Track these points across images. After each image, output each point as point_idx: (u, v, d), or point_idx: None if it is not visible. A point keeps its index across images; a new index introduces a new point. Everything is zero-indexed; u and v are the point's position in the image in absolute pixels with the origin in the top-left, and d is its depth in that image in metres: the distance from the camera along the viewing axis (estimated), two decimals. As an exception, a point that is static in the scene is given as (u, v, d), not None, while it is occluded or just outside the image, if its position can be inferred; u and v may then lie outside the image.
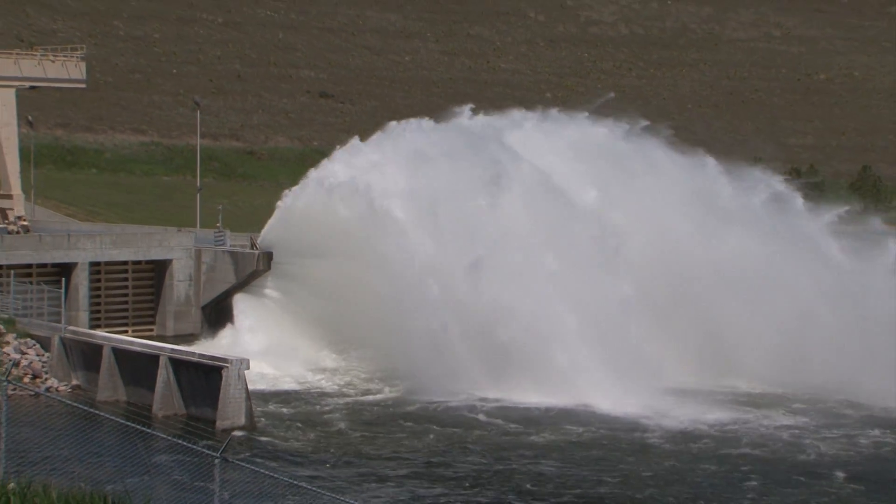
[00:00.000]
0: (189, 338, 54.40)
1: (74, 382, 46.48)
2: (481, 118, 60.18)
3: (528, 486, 35.12)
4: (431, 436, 41.03)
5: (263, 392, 45.73)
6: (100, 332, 49.88)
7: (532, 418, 43.40)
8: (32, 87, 67.29)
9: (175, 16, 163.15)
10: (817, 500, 34.17)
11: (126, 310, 57.68)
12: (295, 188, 56.94)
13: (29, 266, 54.19)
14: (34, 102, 70.62)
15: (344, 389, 48.76)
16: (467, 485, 34.86)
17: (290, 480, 27.95)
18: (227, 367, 41.49)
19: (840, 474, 36.89)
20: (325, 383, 49.50)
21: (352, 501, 28.15)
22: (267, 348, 51.10)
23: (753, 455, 39.09)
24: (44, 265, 54.93)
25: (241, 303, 55.71)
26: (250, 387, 42.25)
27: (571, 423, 42.61)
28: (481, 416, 43.65)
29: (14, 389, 35.43)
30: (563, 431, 41.85)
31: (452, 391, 46.24)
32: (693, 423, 43.44)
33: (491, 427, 42.43)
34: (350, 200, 52.99)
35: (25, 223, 62.74)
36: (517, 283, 49.28)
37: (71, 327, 49.36)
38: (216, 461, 17.04)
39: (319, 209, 54.32)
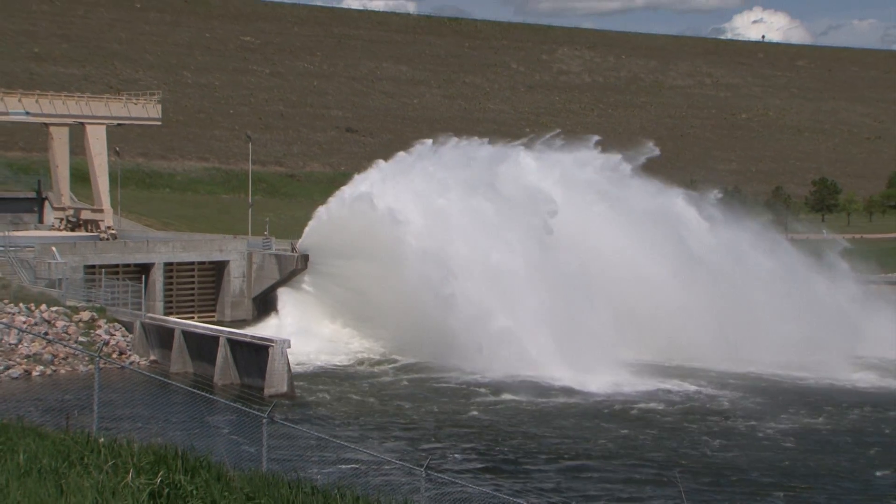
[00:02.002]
0: (242, 322, 54.20)
1: (152, 358, 46.79)
2: (467, 144, 59.29)
3: (513, 441, 34.65)
4: (434, 403, 40.51)
5: (301, 366, 45.35)
6: (172, 318, 50.03)
7: (513, 387, 42.74)
8: (119, 125, 66.65)
9: (231, 67, 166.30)
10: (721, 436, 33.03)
11: (193, 300, 57.79)
12: (326, 204, 57.09)
13: (116, 266, 54.56)
14: (120, 136, 70.59)
15: (366, 364, 48.49)
16: (466, 440, 34.43)
17: (323, 436, 28.70)
18: (272, 345, 41.76)
19: (746, 420, 37.29)
20: (351, 359, 49.26)
21: (371, 451, 29.04)
22: (304, 331, 50.53)
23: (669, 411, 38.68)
24: (128, 265, 55.08)
25: (283, 295, 55.97)
26: (291, 362, 42.15)
27: (543, 394, 41.93)
28: (477, 388, 42.89)
29: (104, 363, 38.09)
30: (539, 398, 41.21)
31: (452, 367, 46.06)
32: (615, 387, 43.20)
33: (484, 395, 41.86)
34: (366, 211, 52.74)
35: (113, 232, 62.73)
36: (498, 280, 49.14)
37: (149, 314, 49.57)
38: (264, 420, 16.34)
39: (345, 220, 54.14)
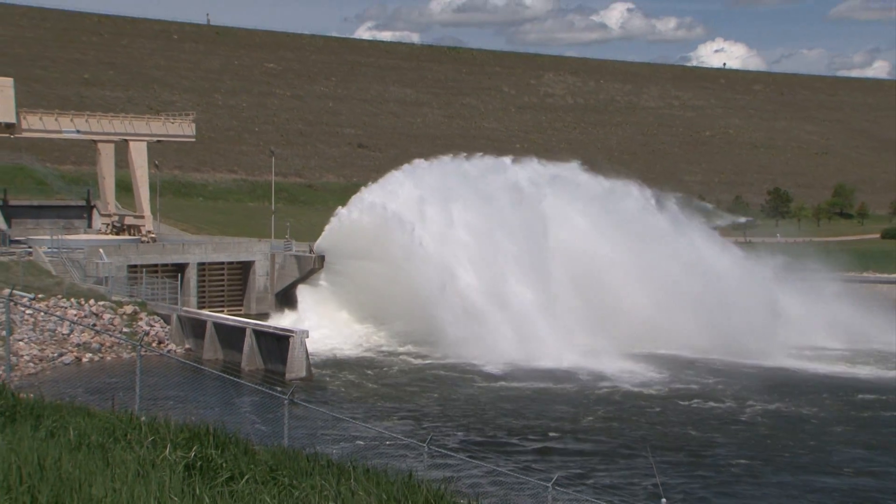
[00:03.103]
0: (266, 315, 54.25)
1: (187, 346, 46.89)
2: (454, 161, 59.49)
3: (504, 419, 34.33)
4: (435, 388, 40.45)
5: (318, 353, 45.34)
6: (204, 312, 50.21)
7: (506, 374, 42.88)
8: (158, 141, 66.65)
9: (256, 91, 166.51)
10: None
11: (222, 295, 57.82)
12: (340, 211, 56.87)
13: (155, 265, 54.67)
14: (159, 152, 70.29)
15: (375, 352, 48.51)
16: (463, 420, 34.38)
17: (337, 415, 28.92)
18: (293, 335, 41.82)
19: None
20: (362, 348, 49.20)
21: (379, 429, 28.95)
22: (320, 323, 50.67)
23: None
24: (165, 265, 55.20)
25: (302, 291, 55.81)
26: (309, 350, 42.27)
27: (533, 379, 41.85)
28: (474, 375, 42.83)
29: (145, 351, 37.07)
30: (529, 383, 41.19)
31: (452, 356, 45.91)
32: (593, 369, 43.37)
33: (479, 381, 41.74)
34: (375, 216, 53.12)
35: (153, 235, 62.70)
36: (496, 280, 49.18)
37: (184, 308, 49.83)
38: (286, 401, 16.25)
39: (357, 225, 54.18)
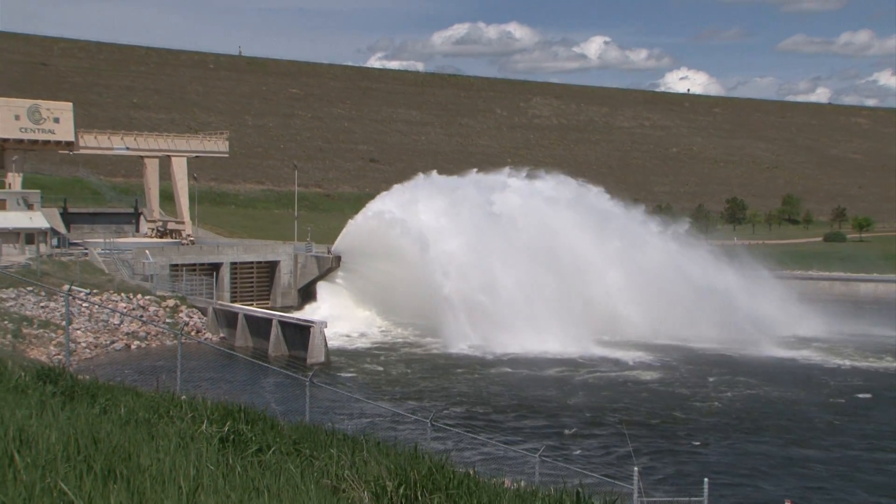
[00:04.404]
0: (290, 308, 54.29)
1: (221, 335, 46.96)
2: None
3: (499, 400, 34.33)
4: (438, 371, 40.40)
5: (335, 341, 45.27)
6: (236, 305, 50.33)
7: (502, 360, 42.86)
8: (196, 156, 66.78)
9: (282, 113, 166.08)
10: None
11: (252, 291, 57.75)
12: (355, 217, 57.06)
13: (194, 265, 54.73)
14: (197, 165, 69.93)
15: (384, 340, 48.33)
16: (462, 399, 34.30)
17: (352, 395, 28.90)
18: (313, 325, 41.94)
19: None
20: (373, 337, 48.97)
21: (388, 406, 28.92)
22: (337, 315, 50.54)
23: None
24: (203, 264, 55.24)
25: (321, 287, 55.90)
26: (327, 338, 42.37)
27: (523, 365, 41.75)
28: (472, 361, 42.69)
29: (185, 339, 38.36)
30: (521, 369, 41.01)
31: (453, 345, 45.75)
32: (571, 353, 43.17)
33: (477, 366, 41.61)
34: (385, 222, 52.96)
35: (192, 238, 62.77)
36: (491, 278, 48.76)
37: (219, 301, 50.09)
38: (307, 383, 15.99)
39: (369, 229, 54.08)
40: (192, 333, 44.91)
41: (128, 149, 62.79)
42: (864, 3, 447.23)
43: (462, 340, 45.69)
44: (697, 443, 28.90)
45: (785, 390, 37.01)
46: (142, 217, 68.19)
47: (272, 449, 8.08)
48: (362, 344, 46.89)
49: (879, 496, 24.29)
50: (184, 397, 11.30)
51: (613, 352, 44.70)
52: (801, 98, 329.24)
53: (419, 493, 6.79)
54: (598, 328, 47.40)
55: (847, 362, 43.75)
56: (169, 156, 64.27)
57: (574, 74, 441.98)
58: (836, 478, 25.62)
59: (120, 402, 9.46)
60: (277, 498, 6.04)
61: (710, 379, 39.05)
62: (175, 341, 42.73)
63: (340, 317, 50.38)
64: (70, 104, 59.66)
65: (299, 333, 42.61)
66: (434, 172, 58.77)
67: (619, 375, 39.73)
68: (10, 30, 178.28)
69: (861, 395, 36.56)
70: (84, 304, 42.96)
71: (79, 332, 41.60)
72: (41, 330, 40.00)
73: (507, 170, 60.16)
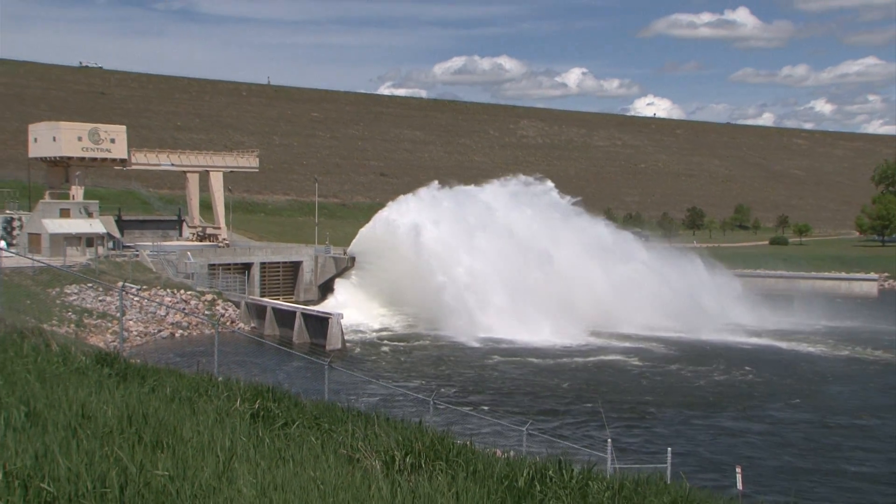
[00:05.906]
0: (311, 302, 53.63)
1: (252, 325, 46.56)
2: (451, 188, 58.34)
3: (494, 383, 33.89)
4: (440, 357, 40.09)
5: (351, 331, 45.04)
6: (265, 299, 49.86)
7: (496, 348, 42.40)
8: (231, 171, 66.47)
9: (304, 133, 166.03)
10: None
11: (278, 287, 57.07)
12: (368, 224, 56.66)
13: (229, 264, 54.50)
14: (232, 179, 69.86)
15: (393, 330, 47.97)
16: (461, 381, 34.00)
17: (365, 377, 28.97)
18: (331, 317, 41.64)
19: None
20: (384, 328, 48.50)
21: (396, 386, 28.90)
22: (352, 308, 50.12)
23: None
24: (236, 264, 54.99)
25: (338, 284, 55.35)
26: (343, 328, 42.02)
27: (515, 353, 41.24)
28: (471, 349, 42.35)
29: (221, 329, 38.37)
30: (513, 356, 40.46)
31: (454, 335, 45.11)
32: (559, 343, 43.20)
33: (476, 353, 41.20)
34: (390, 228, 52.78)
35: (227, 242, 62.63)
36: (486, 277, 48.15)
37: (250, 296, 49.65)
38: (326, 367, 15.77)
39: (380, 234, 53.77)
40: (227, 324, 44.75)
41: (172, 165, 62.89)
42: (802, 42, 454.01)
43: (461, 332, 45.11)
44: (662, 417, 28.73)
45: (739, 372, 36.68)
46: (184, 223, 67.86)
47: (296, 423, 8.01)
48: (373, 333, 46.53)
49: (794, 455, 24.18)
50: (220, 379, 11.15)
51: (598, 341, 44.23)
52: (749, 121, 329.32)
53: (423, 462, 6.77)
54: (588, 322, 46.68)
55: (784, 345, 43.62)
56: (207, 171, 64.11)
57: (556, 101, 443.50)
58: (773, 446, 25.50)
59: (166, 382, 9.39)
60: (301, 465, 5.99)
61: (673, 367, 38.75)
62: (213, 330, 42.50)
63: (355, 310, 49.96)
64: (124, 127, 59.81)
65: (319, 324, 42.36)
66: (435, 182, 58.39)
67: (600, 361, 39.34)
68: (74, 64, 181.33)
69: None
70: (135, 298, 42.88)
71: (131, 322, 41.38)
72: (99, 320, 39.94)
73: (497, 181, 60.14)
